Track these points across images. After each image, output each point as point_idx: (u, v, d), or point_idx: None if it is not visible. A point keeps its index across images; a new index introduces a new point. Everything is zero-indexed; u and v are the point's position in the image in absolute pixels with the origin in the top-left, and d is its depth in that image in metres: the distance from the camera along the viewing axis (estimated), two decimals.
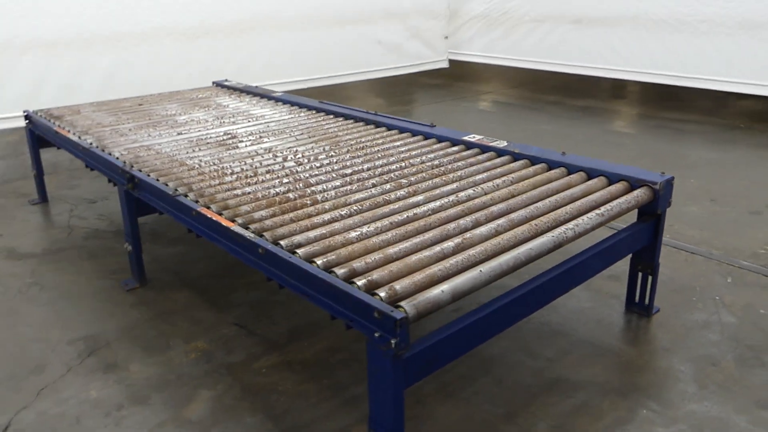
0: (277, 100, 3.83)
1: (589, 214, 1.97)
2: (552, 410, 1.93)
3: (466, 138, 2.77)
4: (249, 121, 3.31)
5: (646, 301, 2.41)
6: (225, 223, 1.98)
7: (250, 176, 2.44)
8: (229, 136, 3.03)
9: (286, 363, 2.20)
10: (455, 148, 2.72)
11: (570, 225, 1.90)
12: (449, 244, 1.78)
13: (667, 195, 2.19)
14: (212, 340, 2.33)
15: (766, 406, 1.91)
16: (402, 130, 3.03)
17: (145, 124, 3.30)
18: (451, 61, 7.16)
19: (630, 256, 2.35)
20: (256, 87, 4.16)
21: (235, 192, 2.25)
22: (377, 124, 3.16)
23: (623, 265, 2.39)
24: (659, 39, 5.45)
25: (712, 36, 5.07)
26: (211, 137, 3.02)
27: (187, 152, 2.79)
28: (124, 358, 2.23)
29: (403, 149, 2.74)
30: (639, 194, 2.13)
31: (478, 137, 2.76)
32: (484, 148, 2.67)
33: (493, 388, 2.04)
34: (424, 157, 2.60)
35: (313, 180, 2.36)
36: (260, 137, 3.00)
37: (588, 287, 2.60)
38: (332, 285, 1.59)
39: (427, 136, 2.91)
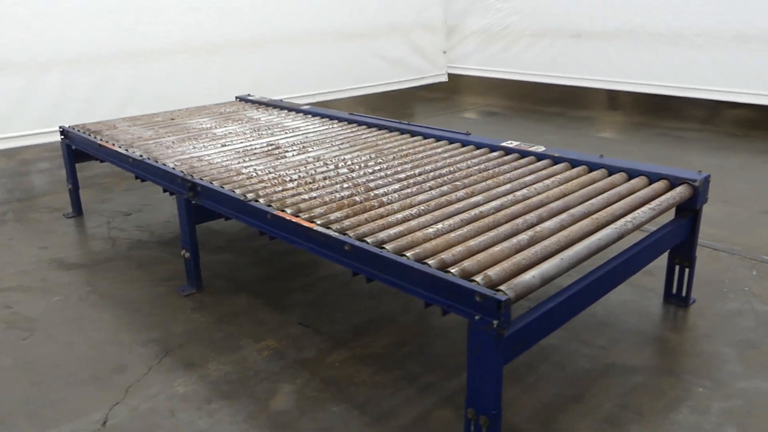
0: (305, 112, 3.96)
1: (642, 209, 2.14)
2: (614, 391, 2.08)
3: (504, 144, 2.94)
4: (286, 133, 3.45)
5: (683, 292, 2.58)
6: (306, 224, 2.10)
7: (310, 182, 2.57)
8: (273, 146, 3.16)
9: (357, 357, 2.32)
10: (495, 154, 2.89)
11: (628, 218, 2.07)
12: (523, 237, 1.93)
13: (704, 192, 2.37)
14: (281, 339, 2.45)
15: None
16: (439, 138, 3.19)
17: (186, 137, 3.41)
18: (449, 75, 7.38)
19: (667, 251, 2.52)
20: (281, 101, 4.30)
21: (302, 197, 2.38)
22: (413, 134, 3.32)
23: (656, 262, 2.56)
24: (656, 51, 5.71)
25: (708, 48, 5.34)
26: (255, 148, 3.14)
27: (239, 162, 2.91)
28: (200, 357, 2.33)
29: (446, 155, 2.89)
30: (681, 191, 2.31)
31: (515, 143, 2.93)
32: (523, 153, 2.84)
33: (557, 373, 2.19)
34: (469, 162, 2.76)
35: (372, 185, 2.50)
36: (304, 147, 3.13)
37: (626, 282, 2.76)
38: (429, 274, 1.72)
39: (464, 144, 3.07)
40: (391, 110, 7.06)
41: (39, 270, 3.11)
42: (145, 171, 2.99)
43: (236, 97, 4.53)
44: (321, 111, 3.92)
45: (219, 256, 3.22)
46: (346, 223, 2.11)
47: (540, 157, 2.78)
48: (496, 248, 1.85)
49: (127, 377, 2.22)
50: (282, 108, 4.14)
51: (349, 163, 2.82)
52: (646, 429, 1.90)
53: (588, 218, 2.06)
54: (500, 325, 1.58)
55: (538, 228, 1.99)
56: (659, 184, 2.38)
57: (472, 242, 1.91)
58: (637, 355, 2.29)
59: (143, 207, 3.99)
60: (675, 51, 5.57)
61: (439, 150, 2.99)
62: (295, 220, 2.15)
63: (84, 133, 3.56)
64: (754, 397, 2.02)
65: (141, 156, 3.05)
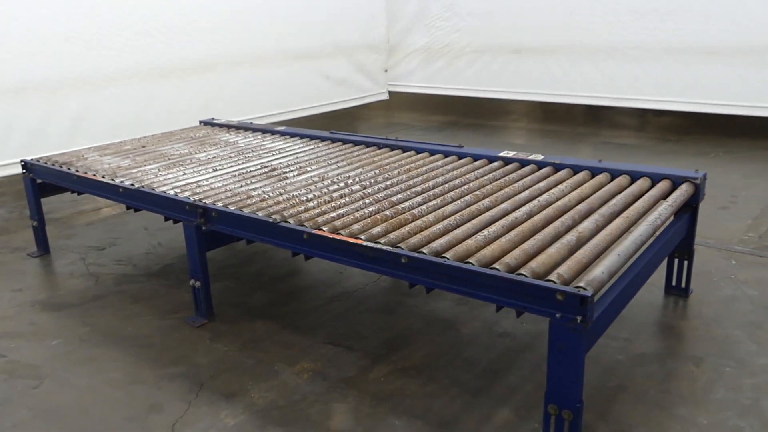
0: (282, 133, 3.92)
1: (663, 206, 2.29)
2: (653, 378, 2.19)
3: (501, 154, 3.05)
4: (274, 155, 3.40)
5: (683, 284, 2.77)
6: (352, 240, 2.10)
7: (328, 201, 2.56)
8: (269, 168, 3.11)
9: (399, 371, 2.32)
10: (495, 164, 2.99)
11: (655, 214, 2.21)
12: (570, 237, 2.02)
13: (703, 188, 2.57)
14: (315, 360, 2.40)
15: None
16: (432, 152, 3.25)
17: (169, 163, 3.29)
18: (390, 93, 7.52)
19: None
20: (251, 123, 4.23)
21: (330, 215, 2.37)
22: (403, 149, 3.37)
23: None
24: (595, 65, 6.09)
25: (642, 61, 5.76)
26: (251, 171, 3.08)
27: (241, 186, 2.84)
28: (238, 387, 2.25)
29: (449, 168, 2.96)
30: (686, 188, 2.49)
31: (512, 153, 3.05)
32: (523, 162, 2.96)
33: (595, 366, 2.28)
34: (476, 173, 2.84)
35: (393, 199, 2.52)
36: (301, 167, 3.11)
37: None
38: (503, 278, 1.77)
39: (460, 156, 3.15)
40: (339, 128, 7.09)
41: (23, 314, 2.88)
42: (140, 200, 2.86)
43: (200, 122, 4.41)
44: (298, 131, 3.90)
45: (216, 285, 3.10)
46: (392, 236, 2.12)
47: (541, 165, 2.90)
48: (552, 249, 1.93)
49: (167, 415, 2.11)
50: (255, 130, 4.07)
51: (358, 180, 2.83)
52: (692, 410, 2.02)
53: (620, 218, 2.18)
54: (584, 320, 1.65)
55: (579, 228, 2.09)
56: (664, 184, 2.55)
57: (525, 246, 1.97)
58: (660, 343, 2.43)
59: (115, 240, 3.79)
60: (612, 64, 5.97)
61: (439, 163, 3.05)
62: (339, 237, 2.13)
63: (53, 165, 3.35)
64: None
65: (133, 185, 2.91)
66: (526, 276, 1.77)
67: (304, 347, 2.50)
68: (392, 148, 3.42)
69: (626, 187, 2.59)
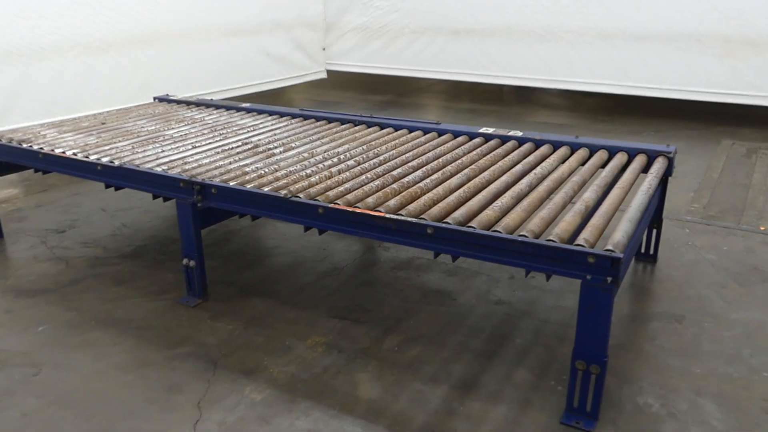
0: (248, 110, 3.84)
1: (649, 177, 2.48)
2: (645, 336, 2.39)
3: (481, 130, 3.16)
4: (249, 131, 3.33)
5: (651, 251, 3.01)
6: (375, 213, 2.13)
7: (329, 176, 2.57)
8: (252, 144, 3.06)
9: (411, 340, 2.39)
10: (477, 140, 3.09)
11: (645, 185, 2.39)
12: (580, 206, 2.16)
13: (674, 161, 2.80)
14: (325, 334, 2.43)
15: None
16: (411, 129, 3.31)
17: (141, 140, 3.15)
18: (329, 72, 7.48)
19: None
20: (211, 100, 4.11)
21: (338, 189, 2.38)
22: (381, 125, 3.40)
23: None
24: (530, 47, 6.34)
25: (576, 44, 6.07)
26: (233, 147, 3.01)
27: (231, 162, 2.78)
28: (255, 363, 2.24)
29: (433, 143, 3.03)
30: (662, 161, 2.70)
31: (491, 129, 3.17)
32: (503, 138, 3.08)
33: None
34: (463, 148, 2.93)
35: (395, 173, 2.57)
36: (284, 144, 3.08)
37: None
38: (534, 244, 1.87)
39: (440, 132, 3.24)
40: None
41: None
42: (123, 179, 2.73)
43: (155, 98, 4.22)
44: (264, 108, 3.83)
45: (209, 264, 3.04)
46: (411, 208, 2.17)
47: (521, 141, 3.04)
48: (568, 217, 2.06)
49: (189, 395, 2.07)
50: (218, 107, 3.96)
51: (349, 156, 2.85)
52: (685, 361, 2.23)
53: (616, 188, 2.35)
54: (614, 280, 1.78)
55: (584, 198, 2.24)
56: (641, 157, 2.75)
57: (542, 214, 2.09)
58: (643, 305, 2.64)
59: (74, 222, 3.59)
60: (547, 47, 6.24)
61: (422, 139, 3.12)
62: (359, 210, 2.16)
63: (9, 142, 3.12)
64: (748, 323, 2.46)
65: (112, 162, 2.78)
66: (555, 241, 1.89)
67: (310, 322, 2.52)
68: (368, 125, 3.45)
69: (607, 161, 2.77)
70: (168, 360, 2.27)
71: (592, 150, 2.89)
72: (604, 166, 2.78)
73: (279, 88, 6.65)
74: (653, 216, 2.90)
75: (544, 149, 2.92)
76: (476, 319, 2.53)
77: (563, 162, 2.76)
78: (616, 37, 5.81)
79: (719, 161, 4.56)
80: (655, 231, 2.98)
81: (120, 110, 3.91)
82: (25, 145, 3.06)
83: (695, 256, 3.07)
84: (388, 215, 2.11)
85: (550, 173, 2.58)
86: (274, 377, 2.16)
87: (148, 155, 2.90)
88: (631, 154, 2.81)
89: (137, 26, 5.05)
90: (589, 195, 2.29)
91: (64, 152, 2.95)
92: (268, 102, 4.25)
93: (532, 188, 2.41)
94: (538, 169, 2.60)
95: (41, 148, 3.02)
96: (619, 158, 2.75)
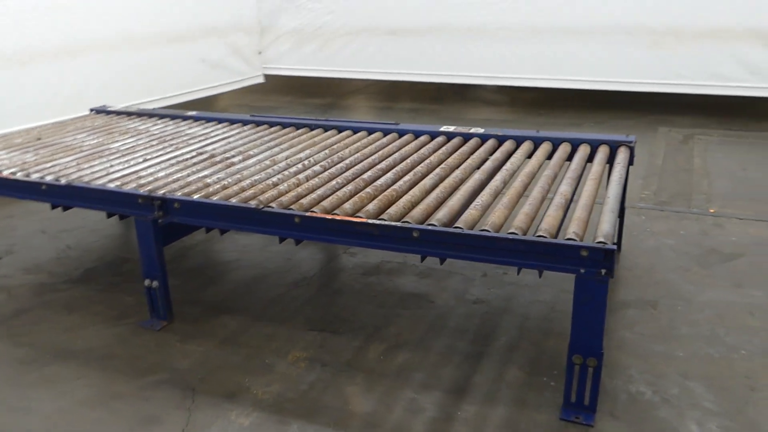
0: (195, 119, 3.66)
1: (617, 168, 2.51)
2: (622, 323, 2.43)
3: (442, 129, 3.13)
4: (201, 141, 3.17)
5: (615, 239, 3.06)
6: (355, 220, 2.05)
7: (298, 183, 2.46)
8: (207, 154, 2.90)
9: (395, 347, 2.32)
10: (440, 139, 3.06)
11: (615, 175, 2.42)
12: (559, 200, 2.15)
13: (634, 151, 2.86)
14: (305, 348, 2.33)
15: (740, 285, 2.68)
16: (370, 131, 3.24)
17: (85, 156, 2.93)
18: (266, 76, 7.30)
19: None
20: (154, 109, 3.90)
21: (311, 197, 2.28)
22: (339, 129, 3.31)
23: None
24: (463, 45, 6.39)
25: (509, 41, 6.16)
26: (188, 158, 2.85)
27: (189, 174, 2.63)
28: (235, 385, 2.12)
29: (397, 144, 2.97)
30: (625, 151, 2.75)
31: (453, 127, 3.14)
32: (465, 136, 3.06)
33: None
34: (428, 147, 2.88)
35: (366, 177, 2.49)
36: (241, 152, 2.94)
37: None
38: (525, 241, 1.85)
39: (400, 133, 3.18)
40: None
41: None
42: (72, 198, 2.53)
43: (91, 110, 3.97)
44: (212, 116, 3.66)
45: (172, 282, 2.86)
46: (391, 212, 2.10)
47: (483, 137, 3.03)
48: (551, 211, 2.05)
49: (170, 426, 1.93)
50: (161, 116, 3.75)
51: (313, 162, 2.75)
52: (667, 346, 2.27)
53: (590, 180, 2.37)
54: (608, 272, 1.78)
55: (561, 191, 2.24)
56: (604, 148, 2.80)
57: (525, 209, 2.07)
58: (617, 293, 2.68)
59: (11, 247, 3.31)
60: (482, 44, 6.31)
61: (384, 140, 3.06)
62: (339, 218, 2.07)
63: None
64: (717, 304, 2.54)
65: (58, 180, 2.57)
66: (545, 237, 1.87)
67: (287, 337, 2.41)
68: (325, 128, 3.36)
69: (572, 153, 2.80)
70: (139, 390, 2.11)
71: (555, 143, 2.91)
72: (569, 158, 2.81)
73: (213, 96, 6.42)
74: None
75: (508, 145, 2.92)
76: (457, 320, 2.50)
77: (529, 156, 2.77)
78: (547, 32, 5.95)
79: (659, 148, 4.74)
80: (618, 220, 3.03)
81: (55, 124, 3.65)
82: None
83: (655, 242, 3.15)
84: (370, 221, 2.04)
85: (519, 168, 2.58)
86: (259, 398, 2.05)
87: (97, 171, 2.70)
88: (594, 146, 2.85)
89: (65, 35, 4.74)
90: (565, 188, 2.29)
91: None
92: (203, 110, 4.07)
93: (506, 184, 2.40)
94: (508, 165, 2.59)
95: None
96: (584, 150, 2.79)
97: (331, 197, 2.28)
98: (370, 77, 7.09)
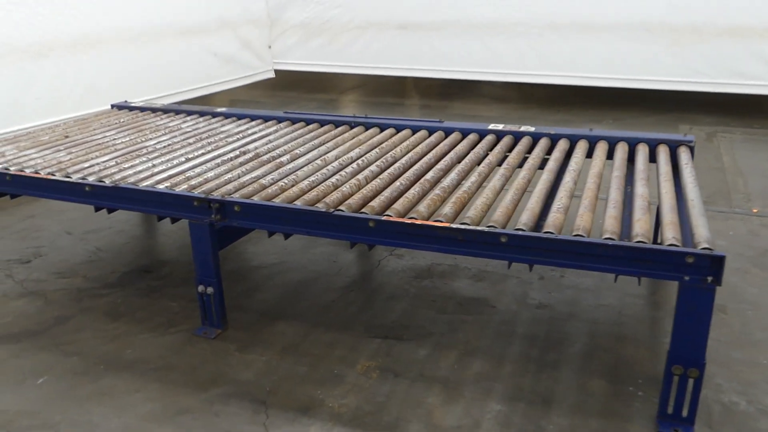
0: (225, 115, 3.53)
1: (687, 169, 2.44)
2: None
3: (491, 127, 3.04)
4: (241, 139, 3.04)
5: None
6: (438, 224, 1.95)
7: (359, 184, 2.36)
8: (252, 154, 2.77)
9: (466, 355, 2.23)
10: (490, 137, 2.96)
11: (690, 177, 2.35)
12: (642, 203, 2.07)
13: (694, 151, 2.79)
14: (373, 357, 2.23)
15: None
16: (415, 129, 3.14)
17: (123, 154, 2.79)
18: (276, 71, 7.15)
19: None
20: (179, 105, 3.76)
21: (380, 199, 2.18)
22: (381, 127, 3.20)
23: None
24: (478, 40, 6.31)
25: (526, 36, 6.09)
26: (231, 158, 2.72)
27: (239, 175, 2.51)
28: (308, 398, 2.01)
29: (447, 143, 2.87)
30: (687, 151, 2.68)
31: (501, 126, 3.05)
32: (516, 134, 2.97)
33: (641, 324, 2.40)
34: (481, 146, 2.80)
35: (429, 177, 2.39)
36: (287, 151, 2.82)
37: None
38: (626, 248, 1.76)
39: (446, 131, 3.08)
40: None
41: None
42: (121, 200, 2.40)
43: (112, 106, 3.81)
44: (240, 112, 3.52)
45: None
46: (472, 215, 2.01)
47: (535, 136, 2.95)
48: (639, 215, 1.96)
49: None
50: (188, 113, 3.61)
51: (367, 161, 2.64)
52: (747, 352, 2.21)
53: (666, 181, 2.29)
54: (715, 280, 1.71)
55: (640, 193, 2.16)
56: (665, 148, 2.72)
57: (612, 213, 1.99)
58: None
59: (38, 250, 3.16)
60: (498, 39, 6.23)
61: (432, 139, 2.96)
62: (419, 222, 1.98)
63: None
64: None
65: (102, 181, 2.44)
66: (645, 242, 1.79)
67: (350, 345, 2.31)
68: (366, 126, 3.25)
69: (631, 153, 2.72)
70: (206, 404, 2.00)
71: (611, 142, 2.83)
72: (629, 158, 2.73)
73: (215, 91, 6.25)
74: None
75: (563, 143, 2.84)
76: (524, 326, 2.41)
77: (588, 156, 2.70)
78: (566, 27, 5.88)
79: None
80: None
81: (77, 120, 3.49)
82: None
83: None
84: (455, 226, 1.94)
85: (584, 168, 2.50)
86: (336, 412, 1.95)
87: (141, 171, 2.57)
88: (651, 145, 2.78)
89: (78, 28, 4.56)
90: (642, 190, 2.21)
91: (37, 172, 2.57)
92: (205, 106, 3.94)
93: (576, 185, 2.32)
94: (572, 165, 2.50)
95: (6, 169, 2.62)
96: (644, 150, 2.71)
97: (401, 199, 2.18)
98: (379, 73, 6.97)
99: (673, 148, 2.74)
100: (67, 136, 3.17)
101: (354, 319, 2.49)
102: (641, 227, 1.89)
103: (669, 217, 1.96)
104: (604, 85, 5.91)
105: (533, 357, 2.21)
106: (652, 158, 2.69)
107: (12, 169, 2.62)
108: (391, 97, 7.29)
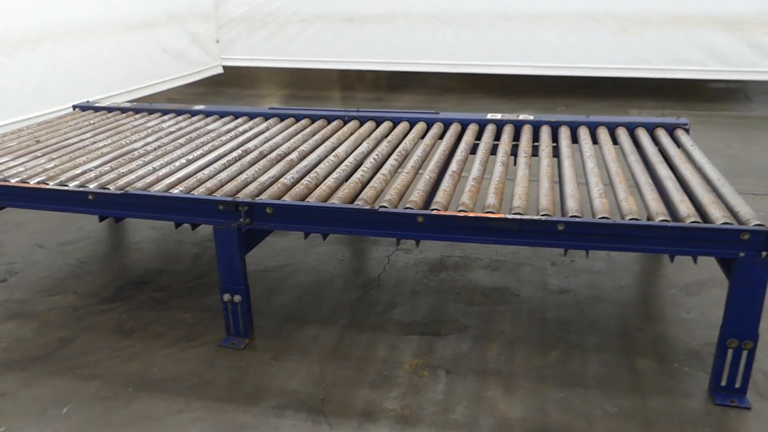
0: (205, 113, 3.33)
1: (696, 150, 2.54)
2: (712, 302, 2.47)
3: (489, 117, 3.04)
4: (235, 138, 2.87)
5: None
6: (492, 216, 1.92)
7: (385, 180, 2.29)
8: (257, 152, 2.63)
9: (508, 345, 2.23)
10: (490, 127, 2.96)
11: (701, 157, 2.44)
12: (673, 184, 2.14)
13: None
14: (418, 355, 2.18)
15: None
16: (412, 121, 3.08)
17: (114, 158, 2.58)
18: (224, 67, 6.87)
19: None
20: (151, 105, 3.52)
21: (417, 193, 2.13)
22: (376, 120, 3.13)
23: None
24: (429, 32, 6.32)
25: (476, 27, 6.16)
26: (235, 157, 2.58)
27: (254, 175, 2.38)
28: (365, 403, 1.94)
29: (451, 134, 2.85)
30: (685, 134, 2.79)
31: (500, 115, 3.06)
32: (516, 123, 2.98)
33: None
34: (488, 135, 2.79)
35: (455, 169, 2.36)
36: (292, 148, 2.71)
37: None
38: (680, 228, 1.81)
39: (445, 123, 3.05)
40: None
41: None
42: (131, 208, 2.21)
43: (74, 107, 3.52)
44: (223, 109, 3.35)
45: (214, 297, 2.58)
46: (518, 204, 2.01)
47: (535, 124, 2.97)
48: (676, 197, 2.02)
49: None
50: (163, 112, 3.38)
51: (382, 156, 2.57)
52: None
53: (684, 163, 2.37)
54: None
55: (665, 175, 2.22)
56: (663, 131, 2.82)
57: (652, 195, 2.04)
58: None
59: (12, 266, 2.87)
60: (447, 30, 6.27)
61: (435, 131, 2.92)
62: (470, 215, 1.94)
63: None
64: None
65: (106, 188, 2.24)
66: (699, 222, 1.84)
67: (389, 344, 2.25)
68: (361, 120, 3.17)
69: (631, 137, 2.80)
70: (261, 419, 1.88)
71: (610, 128, 2.90)
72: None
73: (164, 89, 5.95)
74: None
75: (566, 130, 2.88)
76: (554, 312, 2.44)
77: (595, 142, 2.76)
78: (516, 18, 6.00)
79: None
80: None
81: (41, 124, 3.20)
82: None
83: None
84: (510, 216, 1.93)
85: (597, 154, 2.55)
86: (401, 414, 1.89)
87: (142, 176, 2.39)
88: (649, 129, 2.88)
89: (23, 23, 4.17)
90: (665, 172, 2.28)
91: (25, 182, 2.33)
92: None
93: (592, 169, 2.36)
94: (587, 150, 2.56)
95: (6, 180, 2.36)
96: (645, 134, 2.80)
97: (439, 192, 2.14)
98: (326, 66, 6.85)
99: (670, 131, 2.85)
100: (38, 141, 2.89)
101: (384, 317, 2.42)
102: (688, 208, 1.95)
103: (708, 197, 2.03)
104: (553, 74, 6.09)
105: (573, 341, 2.24)
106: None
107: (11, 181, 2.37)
108: (338, 90, 7.20)
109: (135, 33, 5.17)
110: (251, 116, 3.28)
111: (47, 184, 2.31)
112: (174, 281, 2.73)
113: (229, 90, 7.12)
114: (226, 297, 2.23)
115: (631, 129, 2.88)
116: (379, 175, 2.33)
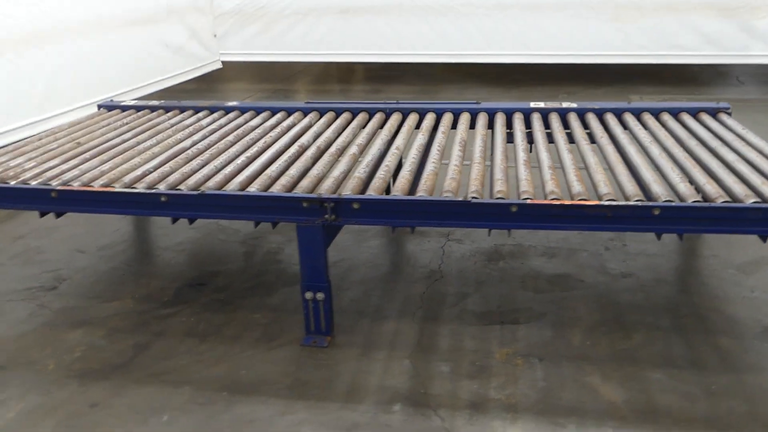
0: (241, 109, 3.25)
1: (748, 132, 2.61)
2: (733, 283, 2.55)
3: (533, 105, 3.06)
4: (284, 134, 2.82)
5: None
6: (587, 203, 1.94)
7: (458, 169, 2.29)
8: (315, 148, 2.58)
9: (589, 330, 2.26)
10: (536, 115, 2.99)
11: (756, 140, 2.51)
12: (743, 167, 2.20)
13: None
14: (506, 344, 2.19)
15: None
16: (456, 112, 3.09)
17: (168, 158, 2.51)
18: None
19: None
20: (180, 102, 3.42)
21: (499, 185, 2.13)
22: (419, 112, 3.10)
23: None
24: (426, 22, 6.30)
25: (473, 16, 6.17)
26: (292, 153, 2.53)
27: (323, 171, 2.35)
28: (471, 393, 1.95)
29: (499, 123, 2.86)
30: (727, 116, 2.87)
31: (543, 103, 3.08)
32: (560, 111, 3.01)
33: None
34: (537, 124, 2.82)
35: (524, 158, 2.38)
36: (349, 143, 2.68)
37: None
38: None
39: (489, 112, 3.06)
40: None
41: (66, 403, 1.97)
42: (208, 208, 2.16)
43: (99, 106, 3.40)
44: (258, 105, 3.28)
45: (275, 297, 2.55)
46: (605, 191, 2.03)
47: (579, 111, 3.00)
48: (755, 178, 2.08)
49: None
50: (196, 110, 3.29)
51: (439, 147, 2.56)
52: None
53: (743, 146, 2.44)
54: None
55: (731, 159, 2.28)
56: (704, 115, 2.89)
57: (732, 179, 2.09)
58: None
59: (58, 273, 2.77)
60: (445, 21, 6.26)
61: (483, 121, 2.92)
62: (566, 203, 1.96)
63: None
64: None
65: (180, 189, 2.17)
66: None
67: (472, 335, 2.26)
68: (403, 112, 3.15)
69: (676, 121, 2.86)
70: (370, 416, 1.86)
71: (654, 113, 2.96)
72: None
73: (167, 86, 5.80)
74: None
75: (612, 117, 2.92)
76: (624, 295, 2.48)
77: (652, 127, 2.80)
78: (513, 7, 6.04)
79: None
80: None
81: (72, 125, 3.09)
82: (33, 184, 2.27)
83: None
84: (605, 203, 1.95)
85: (648, 140, 2.60)
86: (508, 403, 1.90)
87: (208, 175, 2.33)
88: (692, 113, 2.94)
89: (29, 21, 3.98)
90: (731, 156, 2.34)
91: (89, 185, 2.24)
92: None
93: (651, 153, 2.41)
94: (642, 136, 2.61)
95: (47, 184, 2.26)
96: (689, 118, 2.86)
97: (522, 181, 2.15)
98: (320, 60, 6.81)
99: (713, 115, 2.92)
100: (79, 143, 2.79)
101: (458, 308, 2.43)
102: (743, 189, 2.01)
103: (755, 180, 2.09)
104: (551, 62, 6.16)
105: (651, 324, 2.29)
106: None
107: (54, 183, 2.27)
108: (328, 83, 7.13)
109: (138, 28, 5.00)
110: (289, 111, 3.23)
111: (113, 187, 2.24)
112: (232, 282, 2.68)
113: (221, 86, 6.99)
114: (308, 295, 2.20)
115: (675, 114, 2.95)
116: (452, 167, 2.33)
